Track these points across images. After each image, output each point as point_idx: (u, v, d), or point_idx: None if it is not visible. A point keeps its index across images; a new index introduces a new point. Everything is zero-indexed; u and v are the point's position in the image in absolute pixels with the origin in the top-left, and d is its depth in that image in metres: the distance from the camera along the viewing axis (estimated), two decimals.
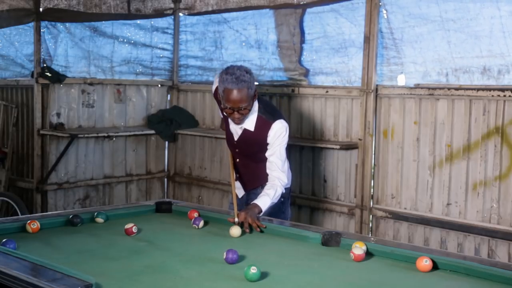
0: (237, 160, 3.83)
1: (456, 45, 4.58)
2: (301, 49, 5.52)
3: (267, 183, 3.56)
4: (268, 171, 3.59)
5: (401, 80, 4.94)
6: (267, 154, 3.60)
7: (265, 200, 3.42)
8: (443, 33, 4.62)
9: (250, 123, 3.61)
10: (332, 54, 5.30)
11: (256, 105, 3.60)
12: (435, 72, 4.71)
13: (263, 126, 3.58)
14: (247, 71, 3.49)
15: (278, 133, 3.57)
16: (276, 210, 3.67)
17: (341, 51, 5.23)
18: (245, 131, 3.65)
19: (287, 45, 5.64)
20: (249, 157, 3.77)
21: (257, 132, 3.60)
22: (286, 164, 3.67)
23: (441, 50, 4.66)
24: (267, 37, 5.78)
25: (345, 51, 5.20)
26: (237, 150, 3.80)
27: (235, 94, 3.42)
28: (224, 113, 3.61)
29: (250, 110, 3.53)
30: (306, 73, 5.53)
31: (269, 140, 3.58)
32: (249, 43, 5.92)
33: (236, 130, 3.71)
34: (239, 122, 3.58)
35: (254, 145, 3.64)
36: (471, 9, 4.44)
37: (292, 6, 5.50)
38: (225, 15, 6.09)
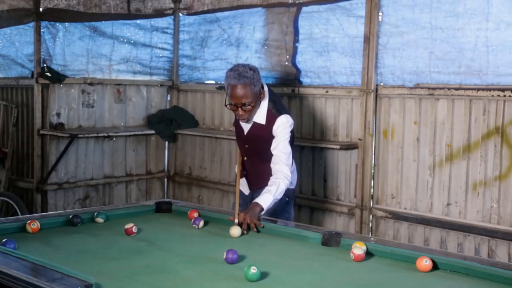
0: (245, 158, 3.86)
1: (437, 58, 4.58)
2: (295, 48, 5.50)
3: (270, 177, 3.59)
4: (271, 165, 3.62)
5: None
6: (271, 148, 3.64)
7: (267, 197, 3.44)
8: (429, 43, 4.61)
9: (260, 117, 3.67)
10: (327, 54, 5.26)
11: (267, 100, 3.67)
12: (411, 84, 4.72)
13: (271, 120, 3.66)
14: (251, 68, 3.56)
15: (282, 127, 3.64)
16: (280, 210, 3.70)
17: (336, 51, 5.19)
18: (255, 124, 3.70)
19: (276, 44, 5.62)
20: (257, 155, 3.80)
21: (267, 125, 3.66)
22: (291, 159, 3.72)
23: (420, 62, 4.66)
24: (252, 35, 5.77)
25: (341, 51, 5.16)
26: (246, 146, 3.84)
27: (238, 89, 3.50)
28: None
29: (254, 107, 3.58)
30: (298, 74, 5.49)
31: (273, 133, 3.64)
32: (229, 41, 5.93)
33: (246, 123, 3.76)
34: (243, 119, 3.64)
35: (262, 140, 3.68)
36: (460, 17, 4.42)
37: (286, 5, 5.49)
38: (218, 14, 6.12)
